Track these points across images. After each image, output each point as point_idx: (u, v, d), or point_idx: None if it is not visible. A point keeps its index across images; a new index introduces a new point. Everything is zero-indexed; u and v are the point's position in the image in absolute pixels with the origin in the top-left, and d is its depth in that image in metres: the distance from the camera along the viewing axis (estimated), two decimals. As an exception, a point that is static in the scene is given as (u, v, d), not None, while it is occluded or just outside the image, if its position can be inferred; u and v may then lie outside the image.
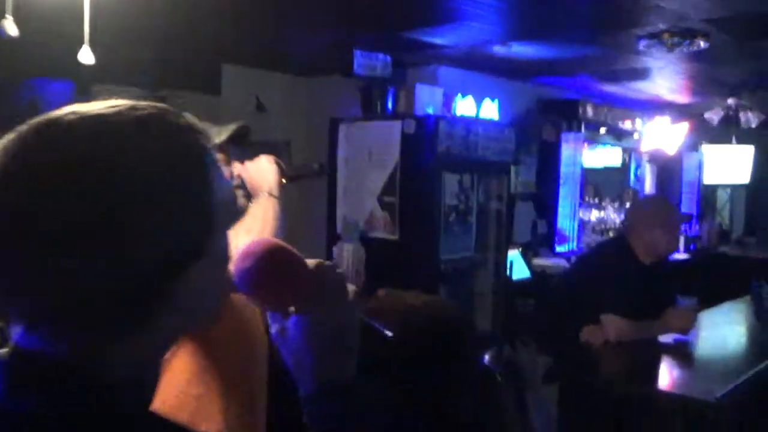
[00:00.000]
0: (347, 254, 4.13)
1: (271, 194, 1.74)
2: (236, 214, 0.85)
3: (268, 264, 0.85)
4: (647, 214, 3.40)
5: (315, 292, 0.88)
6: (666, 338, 3.38)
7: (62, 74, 4.22)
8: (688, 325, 3.39)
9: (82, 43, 1.81)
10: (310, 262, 0.90)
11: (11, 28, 1.61)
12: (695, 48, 4.13)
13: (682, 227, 3.86)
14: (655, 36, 4.06)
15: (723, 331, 3.81)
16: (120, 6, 3.43)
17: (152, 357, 0.79)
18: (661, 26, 3.91)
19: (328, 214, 4.73)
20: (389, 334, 1.05)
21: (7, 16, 1.58)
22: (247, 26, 4.13)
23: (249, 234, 1.61)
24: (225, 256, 0.81)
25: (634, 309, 3.25)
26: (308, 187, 5.27)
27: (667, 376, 3.11)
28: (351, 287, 0.95)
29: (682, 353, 3.32)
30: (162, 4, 3.50)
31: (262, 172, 1.78)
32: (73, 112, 0.70)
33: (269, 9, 3.74)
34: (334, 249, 4.25)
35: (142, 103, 0.75)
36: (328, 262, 0.92)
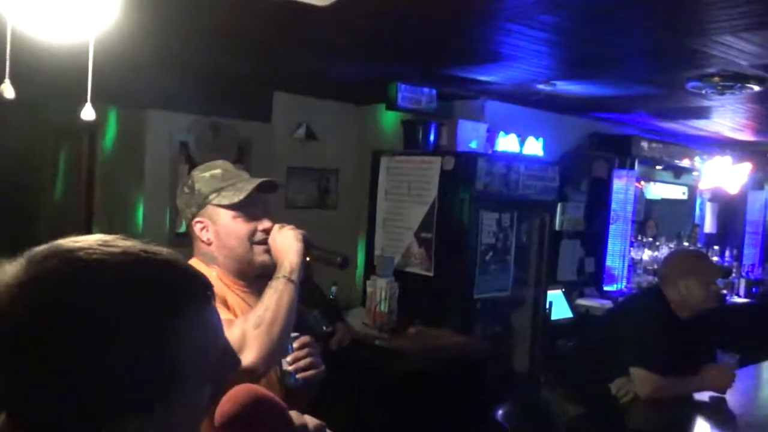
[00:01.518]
0: (380, 289, 4.10)
1: (290, 279, 1.69)
2: (223, 365, 0.85)
3: (247, 415, 0.87)
4: (680, 264, 3.28)
5: None
6: (702, 396, 3.22)
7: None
8: (725, 384, 3.22)
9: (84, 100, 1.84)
10: (308, 421, 0.93)
11: (8, 92, 1.67)
12: (748, 91, 3.98)
13: (720, 282, 3.67)
14: (704, 78, 3.92)
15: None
16: (169, 34, 3.54)
17: None
18: (711, 70, 3.77)
19: (366, 246, 4.72)
20: None
21: (6, 80, 1.63)
22: (296, 55, 4.16)
23: (258, 328, 1.60)
24: (195, 406, 0.81)
25: (668, 364, 3.11)
26: (348, 218, 5.30)
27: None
28: None
29: (718, 413, 3.15)
30: (211, 32, 3.57)
31: (286, 246, 1.74)
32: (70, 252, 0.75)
33: (317, 39, 3.75)
34: (368, 283, 4.22)
35: (148, 252, 0.78)
36: (316, 424, 0.93)
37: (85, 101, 1.78)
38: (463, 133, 4.52)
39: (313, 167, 5.51)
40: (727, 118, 5.55)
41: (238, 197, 1.75)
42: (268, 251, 1.78)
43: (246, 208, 1.77)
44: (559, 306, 4.96)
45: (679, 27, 3.14)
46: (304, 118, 5.42)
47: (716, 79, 3.85)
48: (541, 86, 4.37)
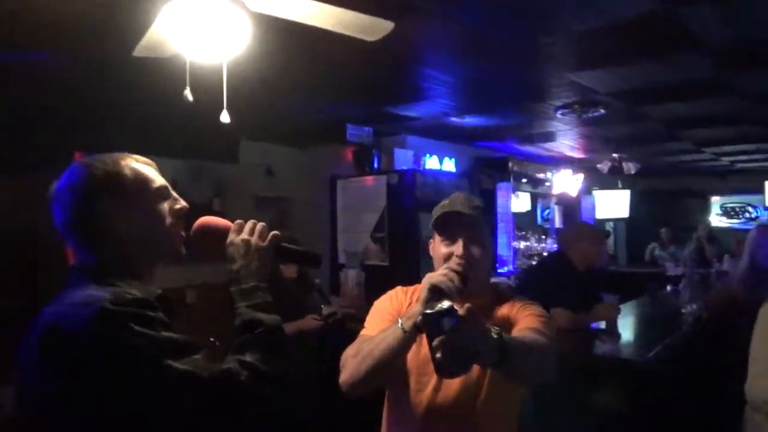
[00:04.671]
0: (350, 277, 4.24)
1: (403, 328, 1.38)
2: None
3: (203, 226, 1.25)
4: (578, 232, 3.61)
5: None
6: (597, 325, 3.57)
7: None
8: (614, 315, 3.59)
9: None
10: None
11: (189, 96, 1.90)
12: (596, 114, 4.42)
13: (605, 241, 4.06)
14: (568, 106, 4.34)
15: (636, 318, 4.03)
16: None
17: None
18: (574, 98, 4.17)
19: (330, 248, 4.83)
20: None
21: (187, 88, 1.81)
22: (260, 107, 4.17)
23: (354, 357, 1.45)
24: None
25: (576, 303, 3.43)
26: (315, 228, 5.39)
27: (606, 347, 3.28)
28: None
29: (613, 334, 3.50)
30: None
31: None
32: None
33: (279, 89, 3.79)
34: (341, 274, 4.35)
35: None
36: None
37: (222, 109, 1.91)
38: (398, 157, 4.79)
39: (273, 197, 5.57)
40: (568, 138, 6.12)
41: (431, 223, 1.58)
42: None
43: (444, 234, 1.55)
44: (473, 283, 5.26)
45: (543, 65, 3.41)
46: (265, 159, 5.48)
47: (577, 106, 4.29)
48: (453, 119, 4.71)
